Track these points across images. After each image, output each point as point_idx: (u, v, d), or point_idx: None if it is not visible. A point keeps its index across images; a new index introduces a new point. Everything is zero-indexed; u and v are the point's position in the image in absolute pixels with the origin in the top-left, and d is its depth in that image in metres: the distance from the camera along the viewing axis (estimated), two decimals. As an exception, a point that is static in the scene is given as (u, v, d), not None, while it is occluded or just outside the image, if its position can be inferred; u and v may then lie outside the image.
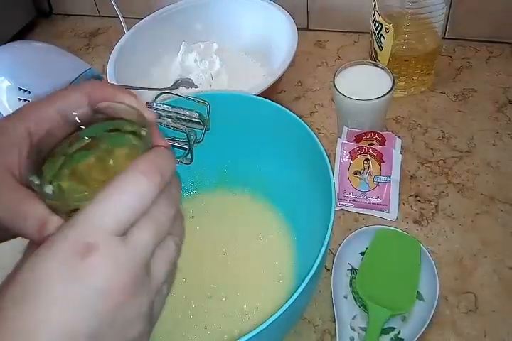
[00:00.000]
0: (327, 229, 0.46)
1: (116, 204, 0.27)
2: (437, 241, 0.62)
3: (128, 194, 0.27)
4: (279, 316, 0.40)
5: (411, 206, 0.66)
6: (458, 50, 0.87)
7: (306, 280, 0.42)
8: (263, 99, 0.60)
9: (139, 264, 0.27)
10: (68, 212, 0.30)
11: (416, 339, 0.53)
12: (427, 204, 0.66)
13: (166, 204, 0.30)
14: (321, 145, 0.53)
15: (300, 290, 0.42)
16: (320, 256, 0.44)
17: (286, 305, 0.41)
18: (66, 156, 0.33)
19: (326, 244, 0.45)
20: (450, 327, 0.55)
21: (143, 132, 0.32)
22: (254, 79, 0.81)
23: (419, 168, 0.71)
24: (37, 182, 0.30)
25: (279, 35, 0.80)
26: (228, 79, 0.80)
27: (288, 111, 0.57)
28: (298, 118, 0.56)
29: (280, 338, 0.54)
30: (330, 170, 0.50)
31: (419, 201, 0.67)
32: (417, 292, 0.57)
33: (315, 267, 0.43)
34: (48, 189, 0.30)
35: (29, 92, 0.73)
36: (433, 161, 0.71)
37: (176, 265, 0.32)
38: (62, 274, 0.25)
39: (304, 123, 0.55)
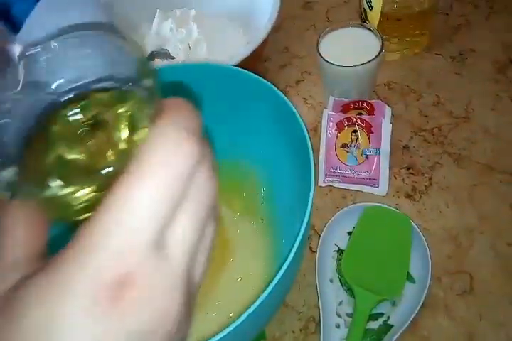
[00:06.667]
0: (306, 205, 0.42)
1: (148, 194, 0.19)
2: (430, 217, 0.58)
3: (157, 179, 0.19)
4: (255, 308, 0.37)
5: (403, 179, 0.62)
6: (455, 6, 0.80)
7: (284, 266, 0.39)
8: (239, 69, 0.55)
9: (185, 279, 0.20)
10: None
11: (407, 324, 0.50)
12: (419, 176, 0.62)
13: (204, 178, 0.22)
14: (300, 120, 0.48)
15: (278, 277, 0.38)
16: (299, 237, 0.40)
17: (265, 293, 0.37)
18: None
19: (306, 221, 0.41)
20: (443, 311, 0.51)
21: (147, 83, 0.22)
22: (237, 48, 0.75)
23: (412, 137, 0.66)
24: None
25: (261, -2, 0.74)
26: (207, 48, 0.75)
27: (266, 81, 0.52)
28: (276, 89, 0.52)
29: (262, 326, 0.51)
30: (309, 144, 0.46)
31: (411, 174, 0.62)
32: (408, 273, 0.53)
33: (294, 249, 0.39)
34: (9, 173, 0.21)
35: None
36: (427, 129, 0.66)
37: None
38: (87, 324, 0.18)
39: (283, 96, 0.51)
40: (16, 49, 0.23)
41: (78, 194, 0.21)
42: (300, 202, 0.46)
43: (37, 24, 0.29)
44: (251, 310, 0.37)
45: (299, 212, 0.44)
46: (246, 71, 0.54)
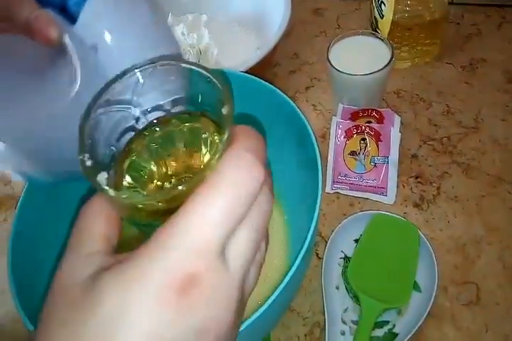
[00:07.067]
0: (314, 212, 0.42)
1: (220, 208, 0.21)
2: (438, 227, 0.58)
3: (229, 197, 0.22)
4: (261, 313, 0.37)
5: (411, 188, 0.62)
6: (466, 16, 0.80)
7: (291, 272, 0.39)
8: (248, 75, 0.55)
9: (239, 291, 0.22)
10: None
11: (412, 333, 0.49)
12: (428, 186, 0.62)
13: (265, 200, 0.24)
14: (308, 126, 0.49)
15: (284, 282, 0.38)
16: (306, 243, 0.40)
17: (271, 299, 0.38)
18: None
19: (313, 227, 0.41)
20: (449, 321, 0.51)
21: (224, 110, 0.24)
22: (248, 53, 0.76)
23: (420, 146, 0.66)
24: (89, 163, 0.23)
25: (273, 4, 0.74)
26: (218, 53, 0.75)
27: (275, 88, 0.52)
28: (285, 96, 0.52)
29: (266, 331, 0.51)
30: (317, 150, 0.46)
31: (419, 183, 0.62)
32: (414, 282, 0.53)
33: (301, 255, 0.39)
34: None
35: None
36: (436, 139, 0.66)
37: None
38: (154, 313, 0.20)
39: (292, 102, 0.51)
40: None
41: (146, 202, 0.23)
42: (307, 208, 0.46)
43: (92, 15, 0.30)
44: (256, 315, 0.37)
45: (306, 218, 0.44)
46: (255, 78, 0.54)
